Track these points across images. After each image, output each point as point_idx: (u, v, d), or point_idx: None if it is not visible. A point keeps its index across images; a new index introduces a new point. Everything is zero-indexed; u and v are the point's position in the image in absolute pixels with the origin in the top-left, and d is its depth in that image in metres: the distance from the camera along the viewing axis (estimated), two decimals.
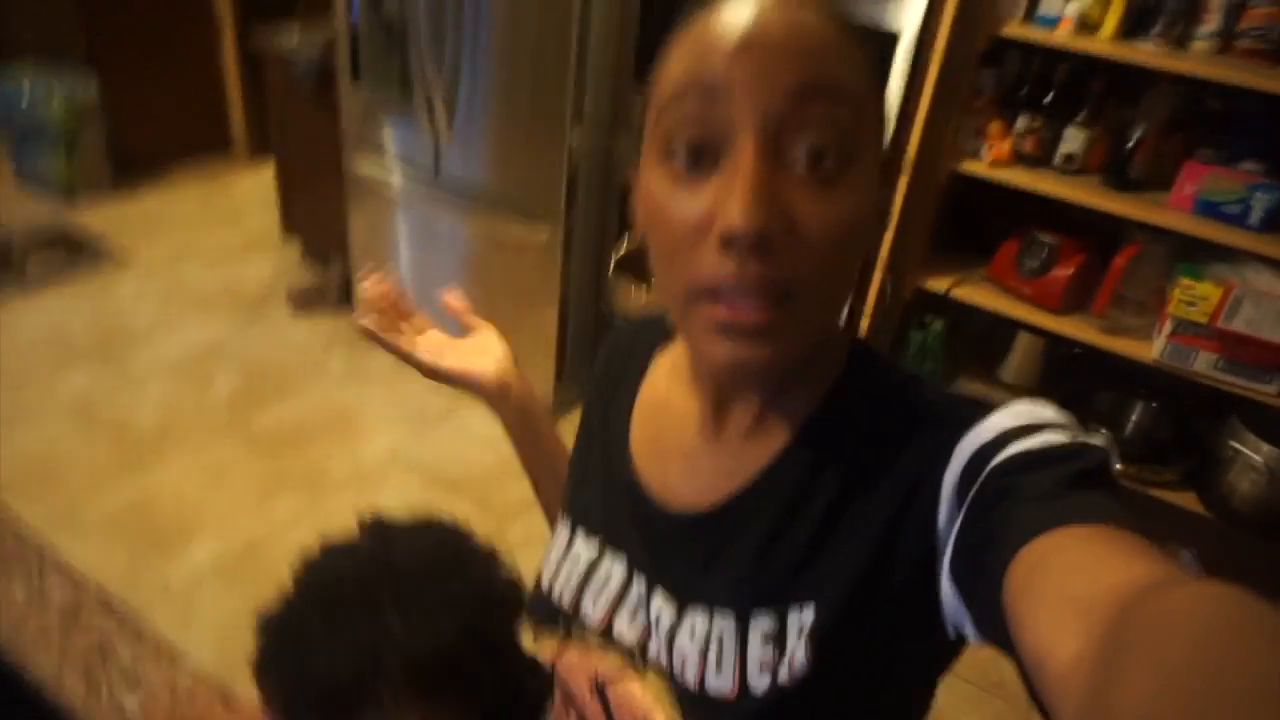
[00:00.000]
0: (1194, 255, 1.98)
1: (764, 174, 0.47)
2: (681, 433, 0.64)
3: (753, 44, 0.47)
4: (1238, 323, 1.84)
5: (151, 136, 4.02)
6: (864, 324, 2.17)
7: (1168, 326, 1.93)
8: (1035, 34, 1.93)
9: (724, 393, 0.61)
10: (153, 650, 0.95)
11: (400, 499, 2.39)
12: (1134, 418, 2.16)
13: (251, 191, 4.09)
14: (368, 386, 2.87)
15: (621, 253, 0.58)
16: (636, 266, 0.56)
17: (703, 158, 0.49)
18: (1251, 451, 1.95)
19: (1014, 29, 1.94)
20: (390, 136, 2.69)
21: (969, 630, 0.50)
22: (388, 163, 2.72)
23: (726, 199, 0.47)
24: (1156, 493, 2.11)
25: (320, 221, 3.26)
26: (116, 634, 0.97)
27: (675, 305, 0.54)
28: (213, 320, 3.11)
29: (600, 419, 0.72)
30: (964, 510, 0.48)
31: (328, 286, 3.23)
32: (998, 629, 0.42)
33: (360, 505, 2.42)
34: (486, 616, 0.70)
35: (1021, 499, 0.44)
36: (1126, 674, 0.27)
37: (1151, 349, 1.99)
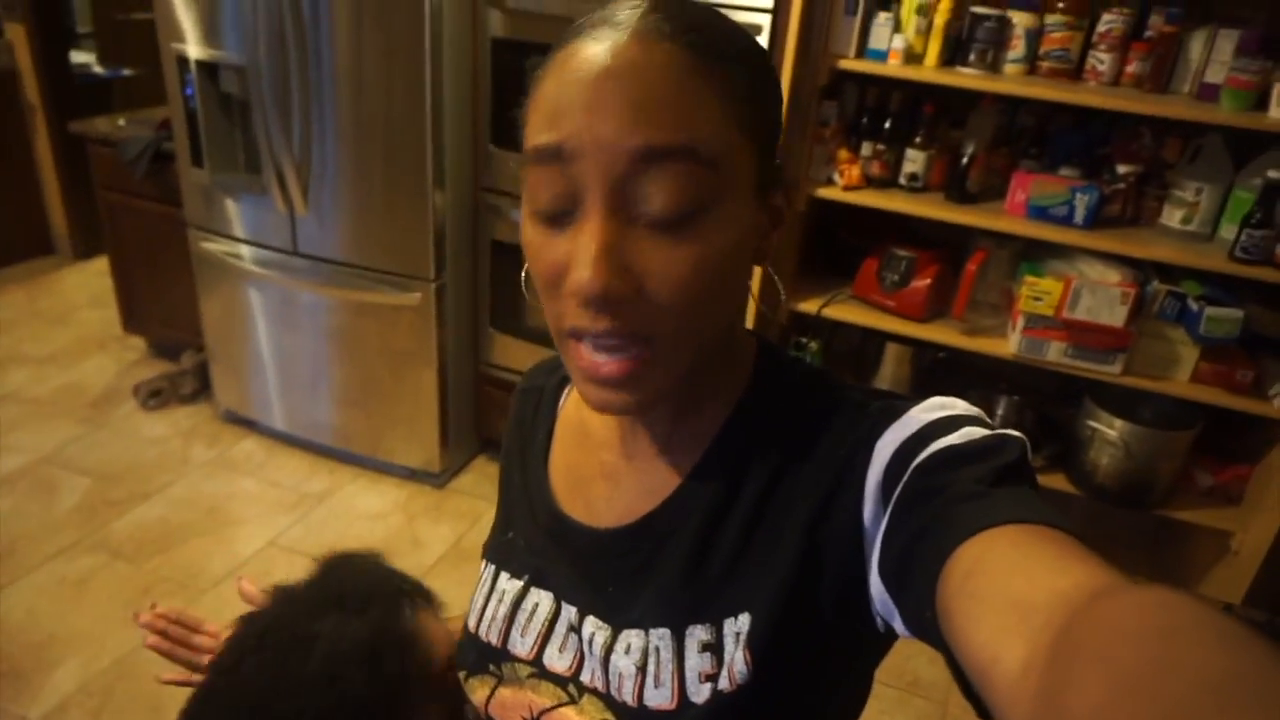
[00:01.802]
0: (1034, 255, 2.16)
1: (609, 235, 0.48)
2: (600, 454, 0.65)
3: (597, 106, 0.48)
4: (1079, 312, 2.01)
5: None
6: None
7: (1020, 322, 2.09)
8: (869, 66, 2.08)
9: (632, 417, 0.62)
10: None
11: None
12: (1000, 412, 2.31)
13: (81, 289, 3.81)
14: (236, 475, 2.69)
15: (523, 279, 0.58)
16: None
17: (559, 210, 0.51)
18: (1106, 428, 2.12)
19: (849, 63, 2.09)
20: (238, 216, 2.57)
21: (898, 625, 0.51)
22: (238, 243, 2.60)
23: (576, 257, 0.49)
24: None
25: (166, 312, 3.07)
26: None
27: (554, 336, 0.55)
28: (51, 427, 2.84)
29: (519, 463, 0.72)
30: (891, 508, 0.49)
31: (180, 378, 3.03)
32: (927, 627, 0.43)
33: (242, 601, 2.22)
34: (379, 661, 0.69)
35: (950, 497, 0.45)
36: (1079, 679, 0.27)
37: (1009, 345, 2.14)
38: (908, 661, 2.13)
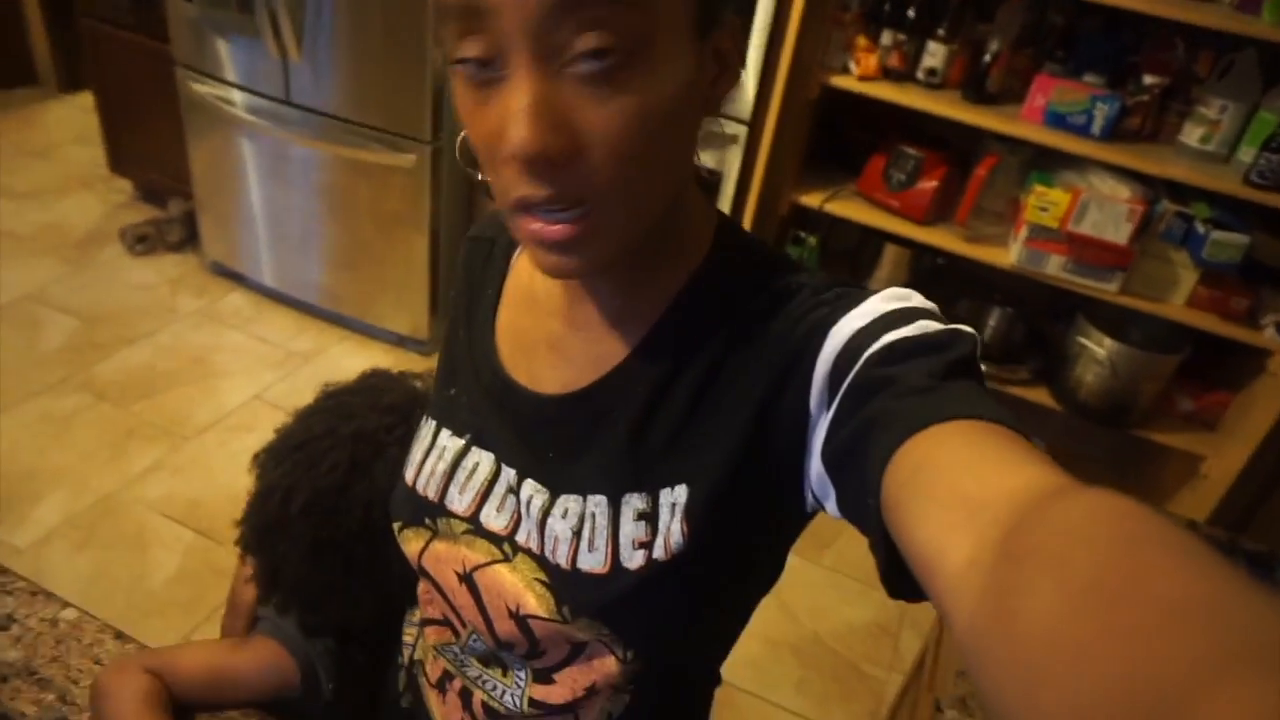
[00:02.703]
0: (1046, 164, 2.11)
1: (539, 92, 0.45)
2: (548, 322, 0.64)
3: None
4: (1084, 226, 1.97)
5: None
6: None
7: (1023, 232, 2.05)
8: None
9: (583, 283, 0.60)
10: (24, 590, 0.86)
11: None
12: (991, 322, 2.31)
13: (66, 125, 3.69)
14: (223, 328, 2.69)
15: (460, 139, 0.56)
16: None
17: (486, 67, 0.47)
18: (1095, 345, 2.12)
19: None
20: (230, 58, 2.46)
21: (830, 506, 0.51)
22: (229, 87, 2.50)
23: (508, 119, 0.46)
24: (1012, 390, 2.27)
25: (153, 155, 2.98)
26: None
27: (500, 208, 0.53)
28: (34, 264, 2.81)
29: (465, 319, 0.71)
30: (840, 395, 0.49)
31: (168, 225, 2.98)
32: (866, 514, 0.43)
33: (226, 449, 2.30)
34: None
35: (901, 389, 0.45)
36: (1029, 585, 0.27)
37: (1009, 255, 2.12)
38: (869, 557, 2.20)
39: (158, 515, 2.01)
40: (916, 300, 0.52)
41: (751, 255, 0.61)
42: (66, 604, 0.84)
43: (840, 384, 0.49)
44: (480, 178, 0.54)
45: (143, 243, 2.93)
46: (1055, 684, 0.24)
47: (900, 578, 0.42)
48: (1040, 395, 2.26)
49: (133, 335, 2.57)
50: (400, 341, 2.71)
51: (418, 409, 0.79)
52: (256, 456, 0.85)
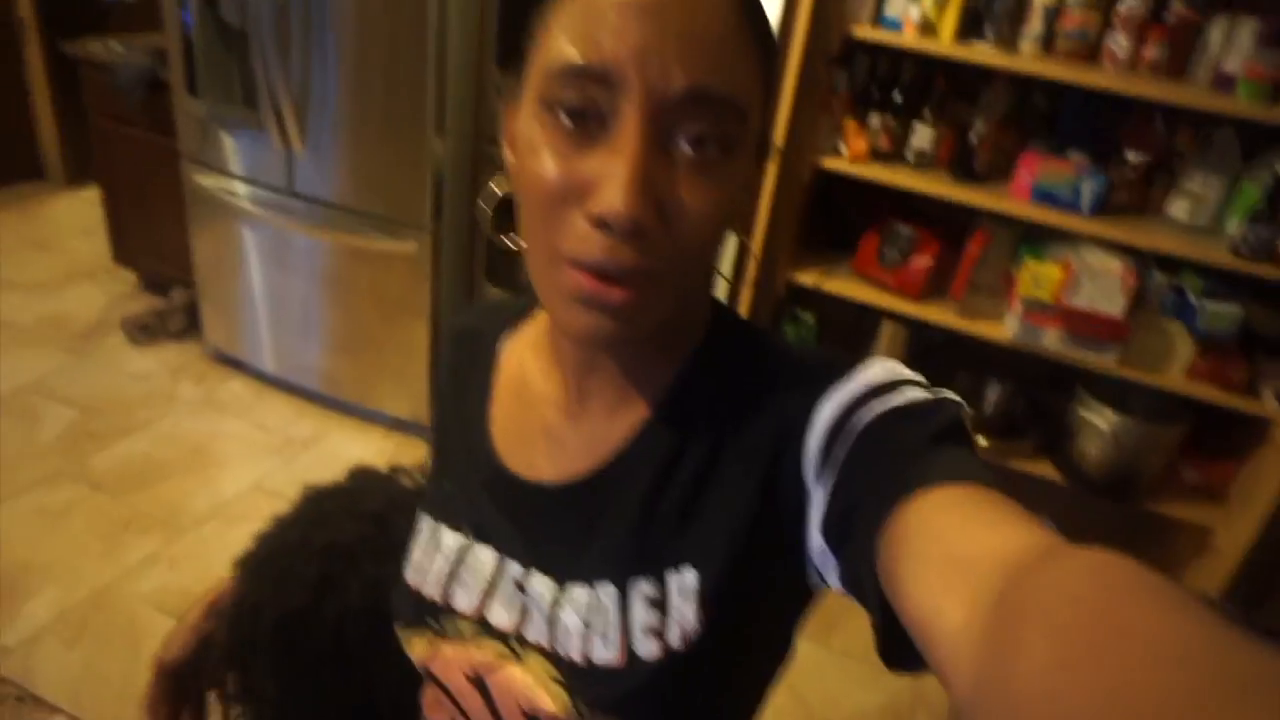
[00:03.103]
0: (1036, 239, 2.14)
1: (647, 162, 0.47)
2: (543, 411, 0.64)
3: (648, 33, 0.46)
4: (1079, 299, 1.99)
5: None
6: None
7: (1018, 307, 2.07)
8: (883, 36, 2.04)
9: (584, 367, 0.60)
10: (11, 696, 0.83)
11: None
12: (991, 396, 2.30)
13: (71, 217, 3.76)
14: (223, 416, 2.68)
15: (498, 197, 0.57)
16: (509, 216, 0.55)
17: (586, 121, 0.48)
18: (1097, 418, 2.12)
19: (864, 31, 2.04)
20: (234, 151, 2.52)
21: (832, 579, 0.52)
22: (233, 179, 2.56)
23: (607, 179, 0.47)
24: (1015, 464, 2.25)
25: (157, 246, 3.03)
26: None
27: (538, 261, 0.52)
28: (35, 355, 2.82)
29: (455, 411, 0.70)
30: (832, 468, 0.50)
31: (169, 314, 3.00)
32: (863, 583, 0.44)
33: (224, 539, 2.27)
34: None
35: (890, 457, 0.46)
36: (1022, 642, 0.27)
37: (1005, 329, 2.13)
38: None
39: (151, 609, 1.96)
40: (904, 371, 0.53)
41: (745, 336, 0.62)
42: (55, 709, 0.81)
43: (831, 457, 0.50)
44: (499, 234, 0.55)
45: (145, 332, 2.95)
46: None
47: (898, 649, 0.42)
48: (1044, 469, 2.25)
49: (131, 425, 2.56)
50: (400, 425, 2.70)
51: (399, 515, 0.78)
52: (236, 563, 0.83)
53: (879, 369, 0.53)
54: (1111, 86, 1.90)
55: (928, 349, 2.40)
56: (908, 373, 0.53)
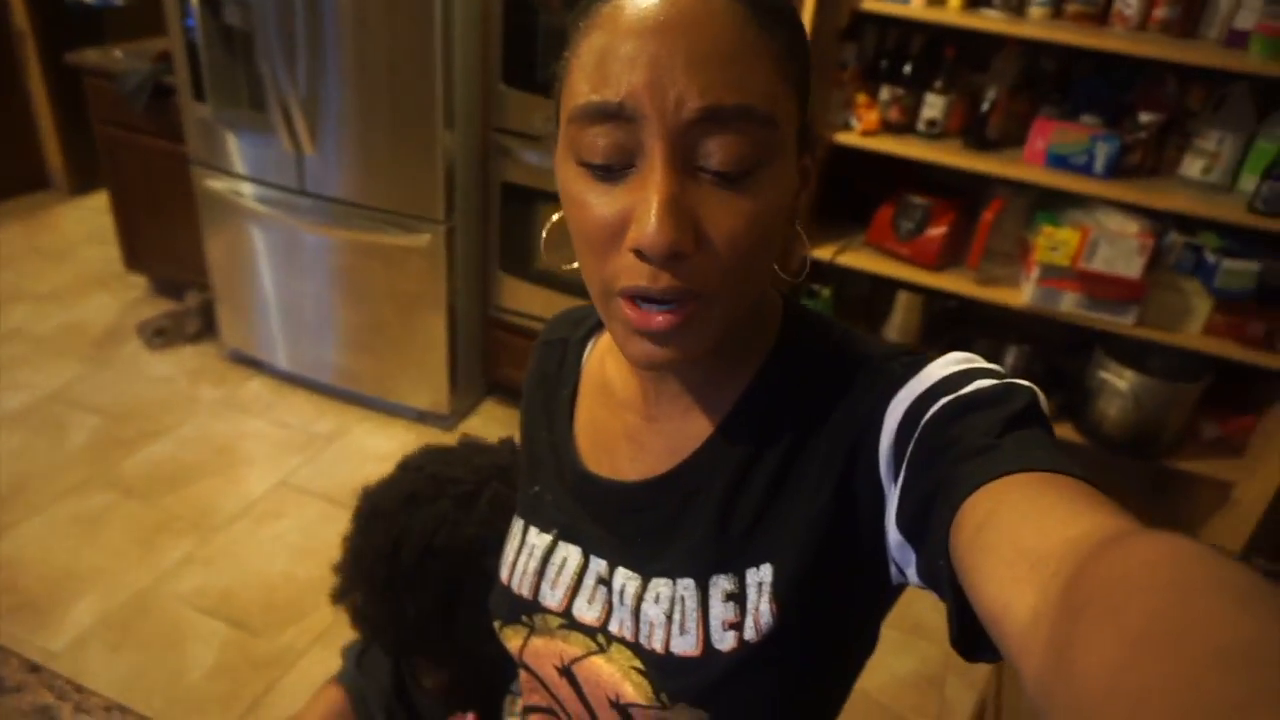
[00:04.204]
0: (1051, 205, 2.14)
1: (674, 189, 0.48)
2: (624, 415, 0.65)
3: (657, 63, 0.47)
4: (1096, 263, 2.00)
5: None
6: None
7: (1035, 272, 2.08)
8: (891, 8, 2.04)
9: (658, 374, 0.62)
10: (99, 706, 0.85)
11: (298, 524, 2.25)
12: (1009, 361, 2.32)
13: (79, 226, 3.76)
14: (245, 416, 2.70)
15: (550, 225, 0.60)
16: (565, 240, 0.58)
17: (614, 164, 0.50)
18: (1116, 378, 2.13)
19: (871, 3, 2.04)
20: (243, 153, 2.52)
21: (911, 574, 0.52)
22: (242, 180, 2.56)
23: (638, 211, 0.48)
24: None
25: (169, 250, 3.03)
26: (50, 696, 0.86)
27: (595, 295, 0.55)
28: (55, 365, 2.83)
29: (544, 419, 0.72)
30: (906, 462, 0.50)
31: (185, 317, 3.01)
32: (939, 576, 0.44)
33: (255, 537, 2.30)
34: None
35: (962, 448, 0.46)
36: (1089, 635, 0.27)
37: (1022, 295, 2.14)
38: (910, 607, 2.18)
39: (191, 609, 1.99)
40: (976, 361, 0.54)
41: (818, 333, 0.63)
42: (110, 703, 0.84)
43: (905, 452, 0.50)
44: (565, 265, 0.56)
45: (160, 336, 2.96)
46: None
47: (973, 639, 0.42)
48: (1065, 431, 2.26)
49: (156, 429, 2.58)
50: (421, 417, 2.72)
51: (506, 474, 0.88)
52: (361, 509, 0.93)
53: (950, 361, 0.54)
54: (1122, 48, 1.90)
55: (944, 318, 2.41)
56: (980, 362, 0.54)
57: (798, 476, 0.57)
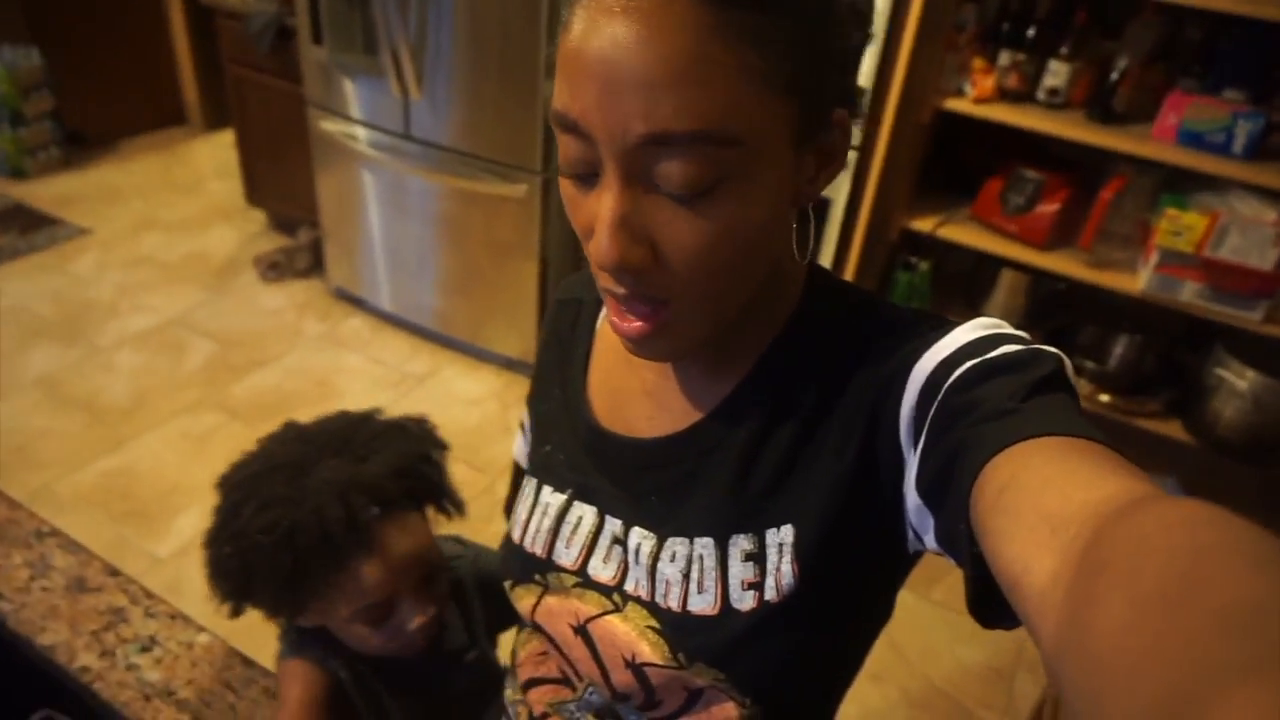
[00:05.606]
0: (1179, 186, 1.99)
1: (623, 208, 0.48)
2: (642, 372, 0.65)
3: (606, 84, 0.45)
4: (1224, 251, 1.85)
5: (101, 109, 3.87)
6: (850, 265, 2.16)
7: (1154, 258, 1.94)
8: None
9: None
10: (164, 613, 0.92)
11: None
12: (1118, 351, 2.18)
13: (210, 160, 3.97)
14: (344, 351, 2.82)
15: None
16: None
17: (581, 173, 0.50)
18: (1236, 377, 1.98)
19: None
20: (355, 97, 2.60)
21: (929, 539, 0.51)
22: (354, 124, 2.64)
23: (596, 224, 0.49)
24: (1141, 423, 2.14)
25: (285, 188, 3.17)
26: (124, 600, 0.93)
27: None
28: (179, 291, 3.02)
29: (558, 377, 0.72)
30: (927, 425, 0.49)
31: (297, 253, 3.15)
32: (957, 540, 0.44)
33: None
34: (416, 443, 0.90)
35: (984, 412, 0.45)
36: (1101, 598, 0.27)
37: (1137, 281, 2.00)
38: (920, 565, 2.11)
39: None
40: (1002, 327, 0.52)
41: (842, 297, 0.62)
42: (201, 629, 0.90)
43: (926, 416, 0.49)
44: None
45: (274, 270, 3.11)
46: (1116, 695, 0.24)
47: (990, 605, 0.42)
48: (1173, 429, 2.13)
49: (263, 358, 2.73)
50: (510, 364, 2.78)
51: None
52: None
53: (976, 326, 0.52)
54: (1277, 15, 1.72)
55: (1051, 300, 2.29)
56: (1007, 328, 0.52)
57: (820, 439, 0.57)
